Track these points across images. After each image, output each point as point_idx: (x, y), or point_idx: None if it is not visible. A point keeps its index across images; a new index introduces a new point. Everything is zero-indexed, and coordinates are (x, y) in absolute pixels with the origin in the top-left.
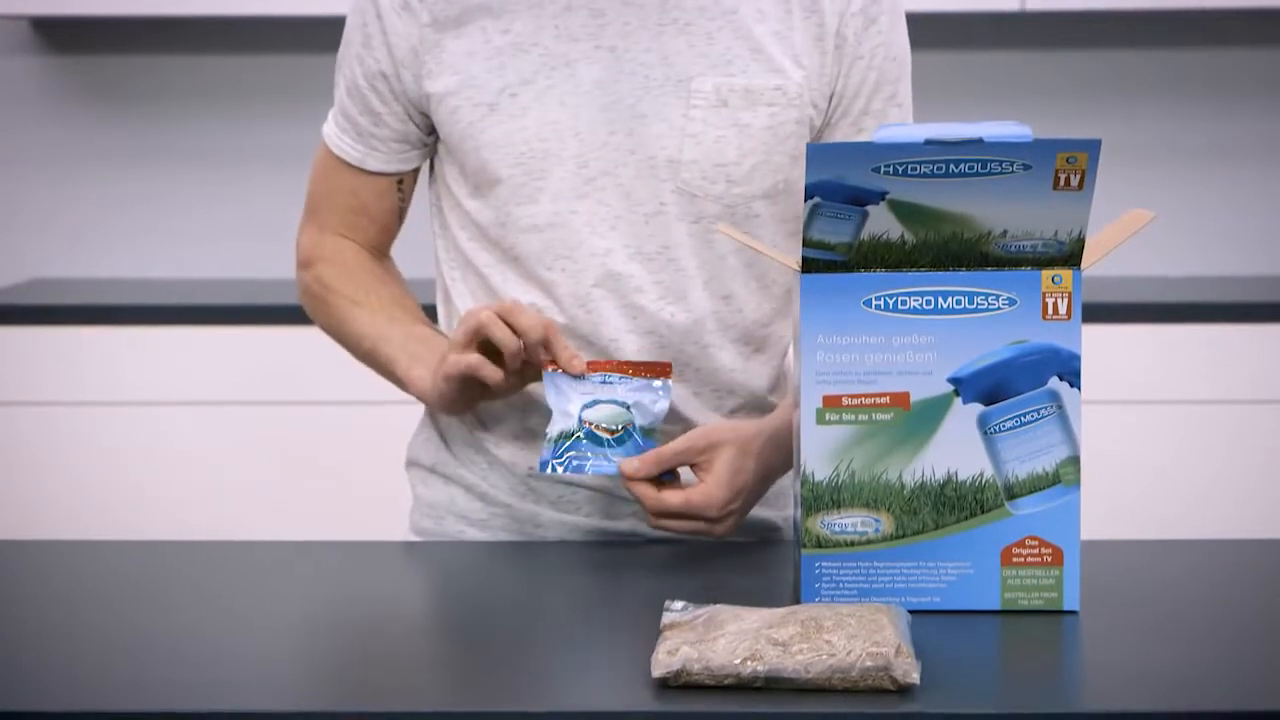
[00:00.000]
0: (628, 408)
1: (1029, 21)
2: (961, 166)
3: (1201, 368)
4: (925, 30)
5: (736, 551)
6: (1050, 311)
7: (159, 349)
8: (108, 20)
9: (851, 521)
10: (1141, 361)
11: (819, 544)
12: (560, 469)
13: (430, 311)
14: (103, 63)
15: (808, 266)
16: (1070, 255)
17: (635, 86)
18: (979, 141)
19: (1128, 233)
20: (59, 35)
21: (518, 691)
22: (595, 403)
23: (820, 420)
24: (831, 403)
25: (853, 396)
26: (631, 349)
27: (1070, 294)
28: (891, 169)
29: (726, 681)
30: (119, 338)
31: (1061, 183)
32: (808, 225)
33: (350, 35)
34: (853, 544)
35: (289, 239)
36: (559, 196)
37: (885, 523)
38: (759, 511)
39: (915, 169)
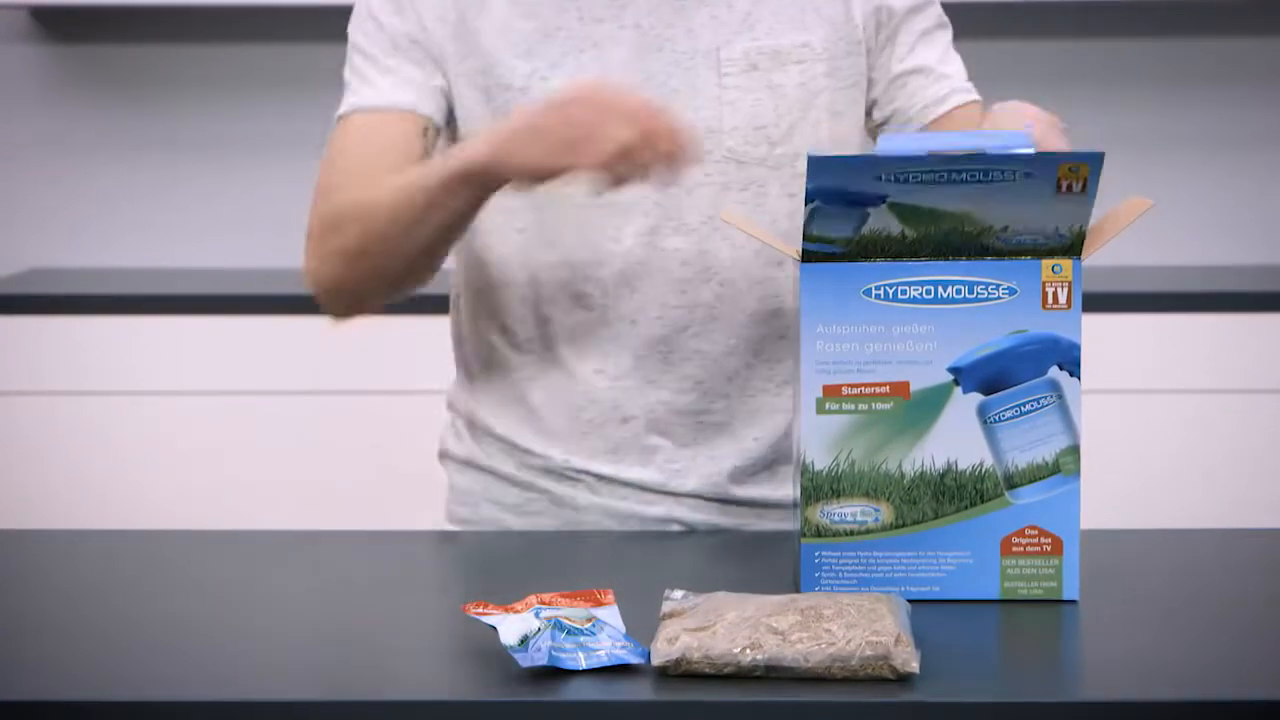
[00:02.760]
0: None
1: (1027, 10)
2: (964, 175)
3: (1202, 357)
4: None
5: (736, 540)
6: (1050, 301)
7: (159, 339)
8: (107, 9)
9: (851, 511)
10: (1141, 351)
11: (818, 533)
12: (540, 661)
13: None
14: (103, 52)
15: (808, 257)
16: (1070, 246)
17: (665, 62)
18: (981, 155)
19: (1126, 221)
20: (58, 24)
21: (516, 681)
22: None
23: (820, 409)
24: (831, 392)
25: (852, 386)
26: (673, 328)
27: (1070, 283)
28: (894, 177)
29: (726, 670)
30: (119, 328)
31: (1064, 189)
32: (808, 224)
33: (374, 6)
34: (852, 533)
35: (291, 228)
36: (599, 178)
37: (885, 512)
38: (764, 495)
39: (917, 177)
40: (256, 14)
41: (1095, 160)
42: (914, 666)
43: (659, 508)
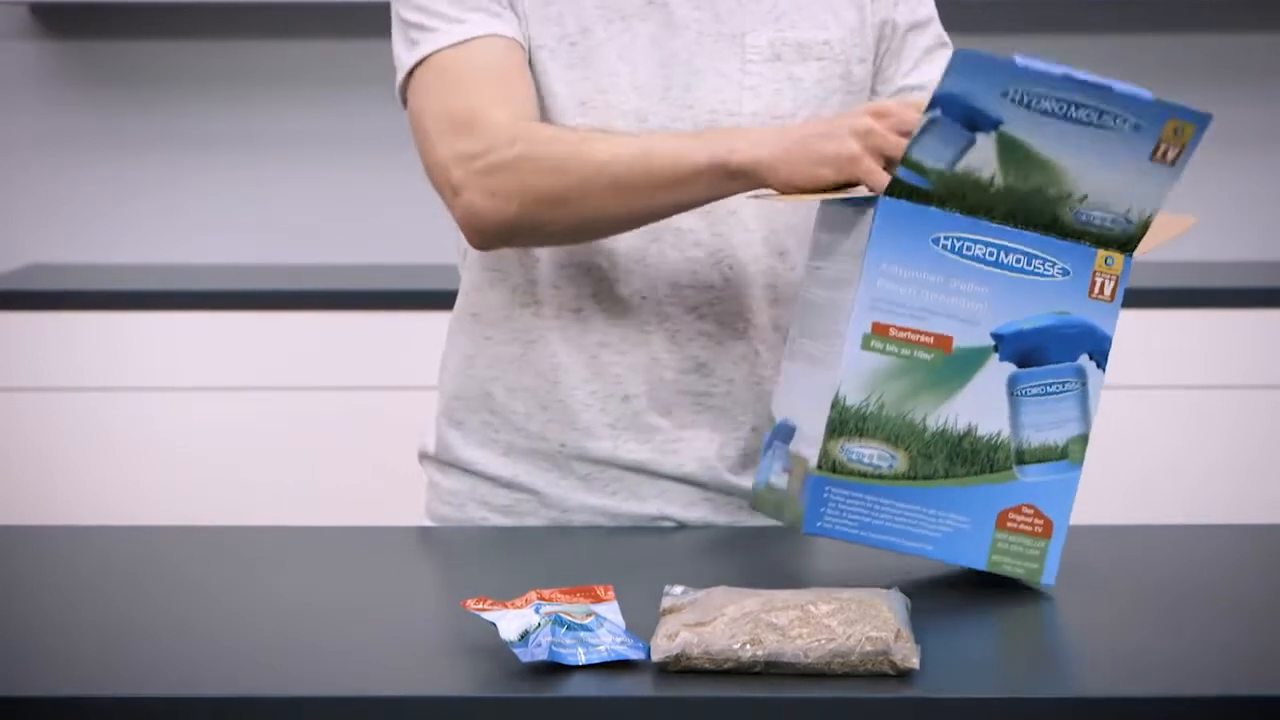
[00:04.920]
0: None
1: (1028, 7)
2: (1080, 114)
3: (1199, 353)
4: None
5: (736, 536)
6: (1096, 291)
7: (157, 335)
8: (106, 6)
9: (870, 453)
10: (1140, 347)
11: (833, 469)
12: (540, 656)
13: (449, 298)
14: (102, 48)
15: (894, 188)
16: (1130, 239)
17: (689, 42)
18: (1109, 89)
19: (1166, 236)
20: (58, 20)
21: (516, 676)
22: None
23: (865, 345)
24: (880, 330)
25: (900, 329)
26: (682, 308)
27: (1118, 277)
28: (1020, 97)
29: (726, 666)
30: (117, 323)
31: (1159, 154)
32: (914, 143)
33: None
34: (865, 475)
35: (290, 224)
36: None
37: (900, 461)
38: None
39: (1040, 103)
40: (256, 10)
41: (1202, 122)
42: (914, 662)
43: (650, 505)
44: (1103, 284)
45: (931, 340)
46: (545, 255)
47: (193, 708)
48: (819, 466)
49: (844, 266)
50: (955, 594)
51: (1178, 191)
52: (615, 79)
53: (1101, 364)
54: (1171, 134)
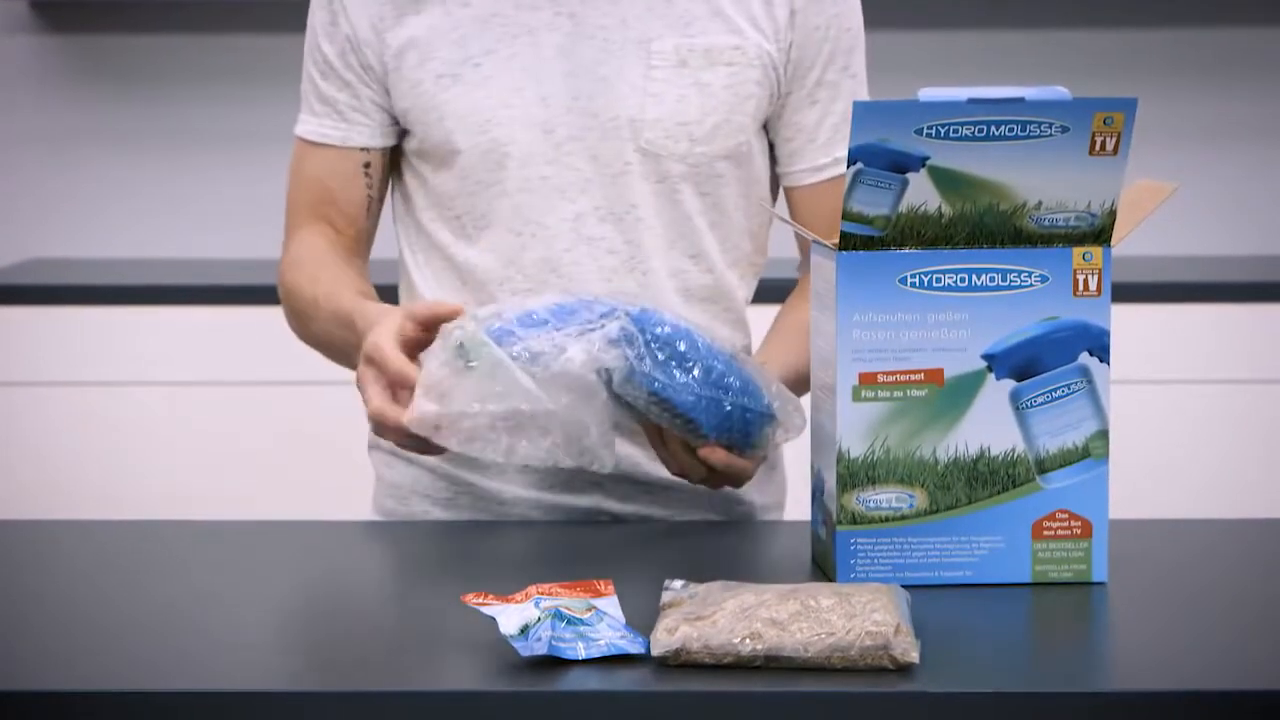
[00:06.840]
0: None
1: (1027, 1)
2: (1002, 129)
3: (1203, 348)
4: (923, 9)
5: (735, 530)
6: (1081, 288)
7: (157, 329)
8: (107, 1)
9: (886, 497)
10: (1143, 342)
11: (854, 520)
12: (540, 650)
13: (392, 294)
14: (102, 42)
15: (844, 243)
16: (1101, 230)
17: (595, 50)
18: (1020, 100)
19: (1149, 208)
20: (58, 15)
21: (516, 671)
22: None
23: (856, 397)
24: (868, 380)
25: (888, 374)
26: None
27: (1100, 270)
28: (934, 131)
29: (726, 660)
30: (118, 318)
31: (1098, 147)
32: (849, 195)
33: (315, 18)
34: (887, 520)
35: None
36: (527, 162)
37: (919, 498)
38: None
39: (957, 131)
40: (256, 5)
41: (1129, 107)
42: (914, 656)
43: (585, 499)
44: (1086, 280)
45: (922, 376)
46: (467, 272)
47: (191, 703)
48: (839, 521)
49: (829, 318)
50: (955, 588)
51: (1184, 188)
52: (520, 94)
53: (1104, 358)
54: (1102, 125)
